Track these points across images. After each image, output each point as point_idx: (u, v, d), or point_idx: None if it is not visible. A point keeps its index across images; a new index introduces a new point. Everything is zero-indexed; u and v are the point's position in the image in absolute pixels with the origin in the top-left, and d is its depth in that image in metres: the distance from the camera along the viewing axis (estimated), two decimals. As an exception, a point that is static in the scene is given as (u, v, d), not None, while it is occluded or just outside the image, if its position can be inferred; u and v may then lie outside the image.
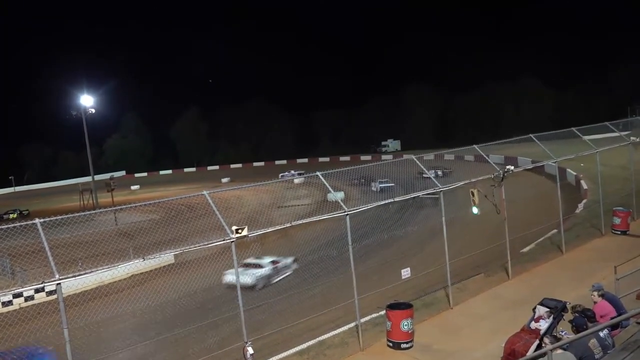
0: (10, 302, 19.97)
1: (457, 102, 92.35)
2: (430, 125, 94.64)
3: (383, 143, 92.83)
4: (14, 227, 8.84)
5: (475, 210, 13.61)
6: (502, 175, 13.81)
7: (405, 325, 10.58)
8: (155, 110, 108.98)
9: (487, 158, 15.54)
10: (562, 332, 8.31)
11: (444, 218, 12.84)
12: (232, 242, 9.42)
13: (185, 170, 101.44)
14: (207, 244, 9.66)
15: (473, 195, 13.53)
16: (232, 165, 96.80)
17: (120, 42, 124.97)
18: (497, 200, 13.75)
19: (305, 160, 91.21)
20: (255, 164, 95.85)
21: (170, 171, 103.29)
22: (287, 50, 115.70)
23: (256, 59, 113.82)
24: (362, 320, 11.46)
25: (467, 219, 15.10)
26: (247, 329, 9.61)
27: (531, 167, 20.81)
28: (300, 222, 11.56)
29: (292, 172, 73.14)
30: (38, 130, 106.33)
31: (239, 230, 9.49)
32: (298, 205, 36.58)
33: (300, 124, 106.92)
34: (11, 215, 53.44)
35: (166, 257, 21.70)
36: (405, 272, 12.25)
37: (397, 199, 13.16)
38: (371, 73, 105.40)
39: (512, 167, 14.39)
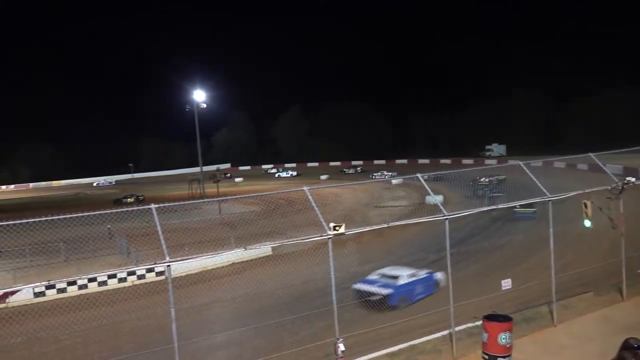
0: (125, 279, 21.80)
1: (569, 106, 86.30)
2: (538, 130, 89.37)
3: (487, 147, 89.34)
4: (132, 210, 9.72)
5: (587, 223, 12.66)
6: (620, 187, 12.70)
7: (503, 338, 10.09)
8: (260, 107, 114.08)
9: (603, 167, 14.37)
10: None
11: (551, 229, 12.05)
12: (329, 238, 9.53)
13: (286, 165, 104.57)
14: (305, 239, 9.85)
15: (586, 207, 12.59)
16: (331, 163, 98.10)
17: (232, 41, 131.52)
18: (613, 213, 12.67)
19: (405, 161, 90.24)
20: (353, 162, 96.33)
21: (271, 166, 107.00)
22: (392, 51, 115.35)
23: (360, 59, 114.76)
24: (457, 328, 11.10)
25: (578, 231, 14.10)
26: (339, 325, 9.69)
27: (656, 179, 18.89)
28: (397, 223, 11.46)
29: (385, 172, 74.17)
30: (155, 123, 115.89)
31: (337, 228, 9.57)
32: (395, 206, 36.39)
33: (401, 125, 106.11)
34: (129, 200, 58.57)
35: (265, 249, 22.57)
36: (506, 283, 11.67)
37: (500, 206, 12.61)
38: (477, 75, 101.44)
39: (633, 179, 13.18)
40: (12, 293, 19.64)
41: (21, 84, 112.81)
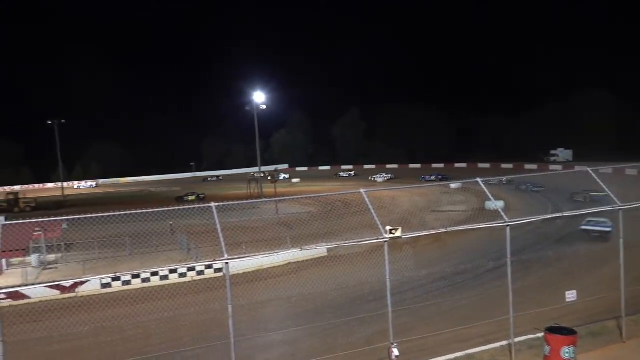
0: (185, 274, 22.52)
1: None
2: (609, 134, 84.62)
3: (552, 152, 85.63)
4: (193, 208, 10.06)
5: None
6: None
7: (567, 352, 9.63)
8: (319, 109, 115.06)
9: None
10: None
11: (622, 239, 11.40)
12: (385, 241, 9.44)
13: (343, 167, 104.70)
14: (361, 242, 9.82)
15: (661, 217, 11.86)
16: (388, 166, 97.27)
17: (292, 45, 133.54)
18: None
19: (464, 165, 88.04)
20: (411, 165, 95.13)
21: (328, 167, 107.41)
22: (458, 53, 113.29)
23: (422, 61, 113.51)
24: (517, 339, 10.72)
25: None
26: (393, 329, 9.59)
27: None
28: (455, 228, 11.20)
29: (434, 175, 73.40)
30: (215, 123, 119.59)
31: (393, 231, 9.47)
32: (453, 211, 35.62)
33: (462, 127, 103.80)
34: (190, 198, 60.43)
35: (320, 250, 22.69)
36: (571, 295, 11.14)
37: (566, 214, 12.07)
38: (543, 76, 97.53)
39: None
40: (82, 283, 20.75)
41: (94, 85, 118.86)
